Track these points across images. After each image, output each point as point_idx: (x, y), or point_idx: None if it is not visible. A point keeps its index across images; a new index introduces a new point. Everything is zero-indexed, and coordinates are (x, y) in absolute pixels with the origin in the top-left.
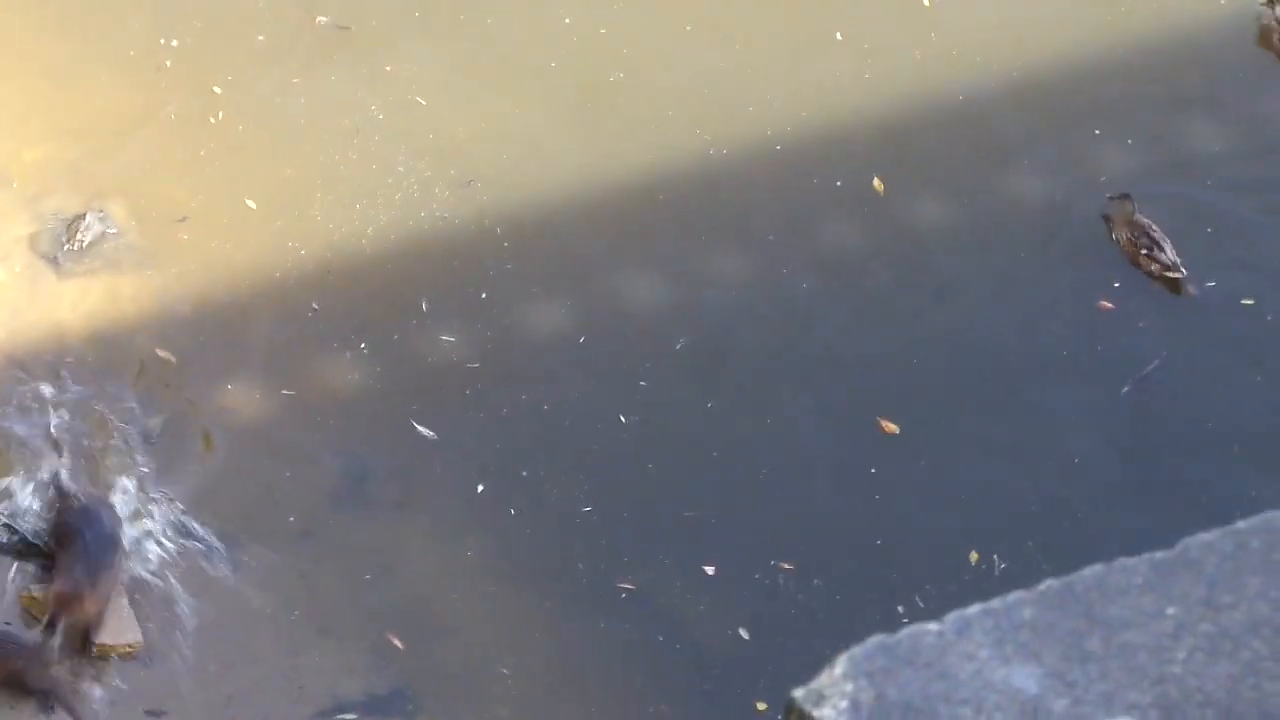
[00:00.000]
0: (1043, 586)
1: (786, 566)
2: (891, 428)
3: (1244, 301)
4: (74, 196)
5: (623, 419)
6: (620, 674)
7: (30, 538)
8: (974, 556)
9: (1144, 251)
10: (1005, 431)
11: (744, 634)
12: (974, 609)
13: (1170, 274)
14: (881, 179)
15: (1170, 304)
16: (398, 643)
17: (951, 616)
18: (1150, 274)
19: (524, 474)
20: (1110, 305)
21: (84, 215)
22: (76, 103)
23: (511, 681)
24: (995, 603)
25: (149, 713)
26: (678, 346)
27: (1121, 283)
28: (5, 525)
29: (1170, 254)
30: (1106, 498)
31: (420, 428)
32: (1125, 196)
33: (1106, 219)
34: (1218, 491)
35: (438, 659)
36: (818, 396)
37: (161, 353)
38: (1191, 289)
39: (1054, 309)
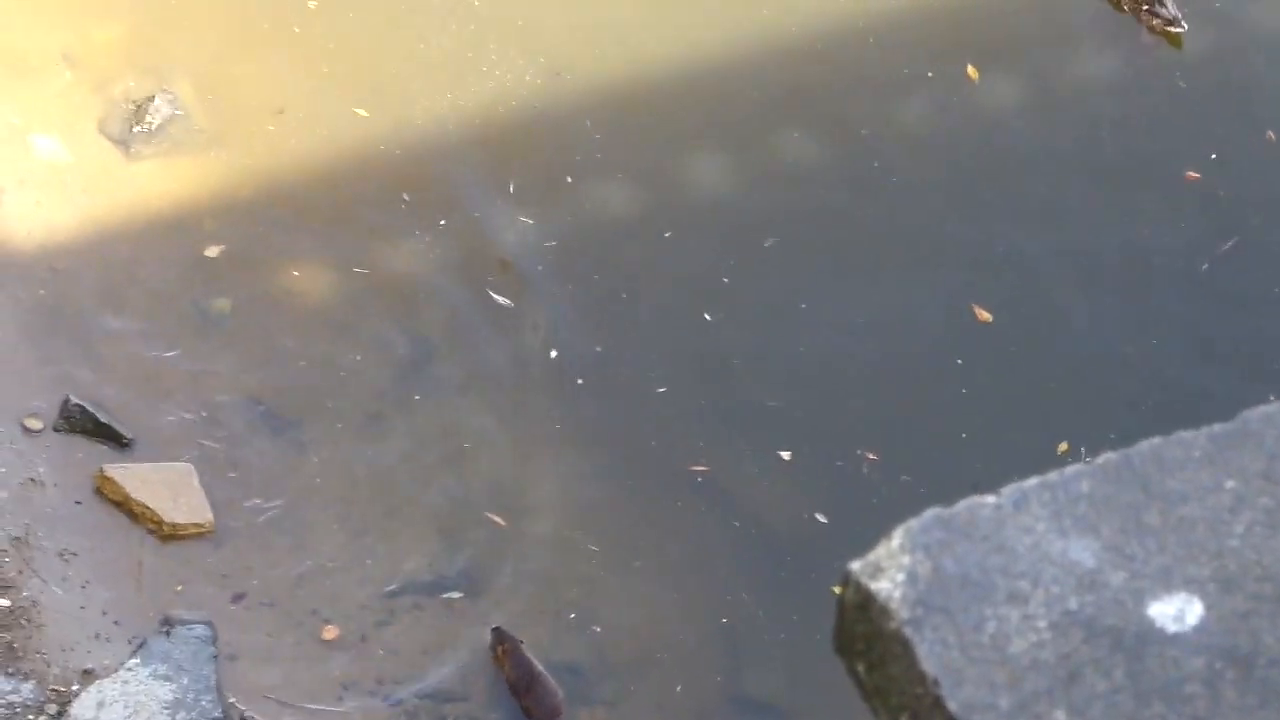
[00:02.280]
0: (1100, 460)
1: (869, 455)
2: (985, 315)
3: None
4: (144, 78)
5: (707, 316)
6: (694, 557)
7: (103, 422)
8: (1062, 447)
9: (1145, 7)
10: (1093, 318)
11: (821, 519)
12: (1031, 482)
13: (1171, 28)
14: (976, 66)
15: (1255, 171)
16: (470, 521)
17: (1009, 489)
18: (1152, 29)
19: (597, 349)
20: (1196, 176)
21: (153, 97)
22: None
23: (581, 562)
24: (1053, 476)
25: (234, 597)
26: (766, 244)
27: (1215, 150)
28: (78, 405)
29: (1172, 7)
30: (1191, 384)
31: (495, 295)
32: None
33: None
34: None
35: (506, 538)
36: (910, 289)
37: (232, 236)
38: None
39: (1142, 182)
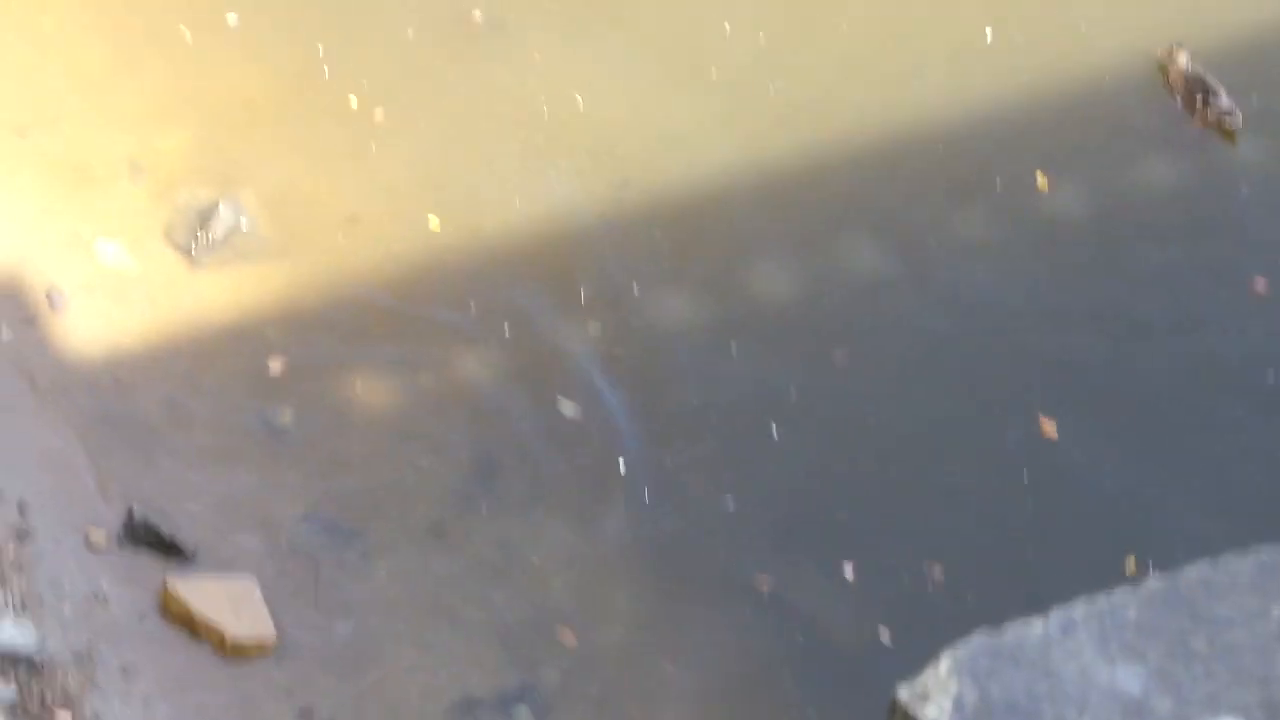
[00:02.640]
0: (1148, 585)
1: (934, 572)
2: (1050, 428)
3: None
4: (210, 187)
5: (774, 430)
6: (759, 672)
7: (166, 535)
8: (1130, 565)
9: (1201, 101)
10: (1160, 433)
11: (885, 635)
12: (1079, 607)
13: (1226, 116)
14: (1044, 173)
15: None
16: (536, 635)
17: (1056, 614)
18: (1207, 123)
19: (665, 461)
20: (1263, 286)
21: (218, 206)
22: (214, 95)
23: (648, 677)
24: (1100, 601)
25: (299, 713)
26: (834, 357)
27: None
28: (141, 518)
29: (1225, 100)
30: (1263, 500)
31: (562, 406)
32: (1178, 47)
33: (1163, 70)
34: None
35: (572, 653)
36: (976, 402)
37: (296, 346)
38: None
39: (1208, 294)
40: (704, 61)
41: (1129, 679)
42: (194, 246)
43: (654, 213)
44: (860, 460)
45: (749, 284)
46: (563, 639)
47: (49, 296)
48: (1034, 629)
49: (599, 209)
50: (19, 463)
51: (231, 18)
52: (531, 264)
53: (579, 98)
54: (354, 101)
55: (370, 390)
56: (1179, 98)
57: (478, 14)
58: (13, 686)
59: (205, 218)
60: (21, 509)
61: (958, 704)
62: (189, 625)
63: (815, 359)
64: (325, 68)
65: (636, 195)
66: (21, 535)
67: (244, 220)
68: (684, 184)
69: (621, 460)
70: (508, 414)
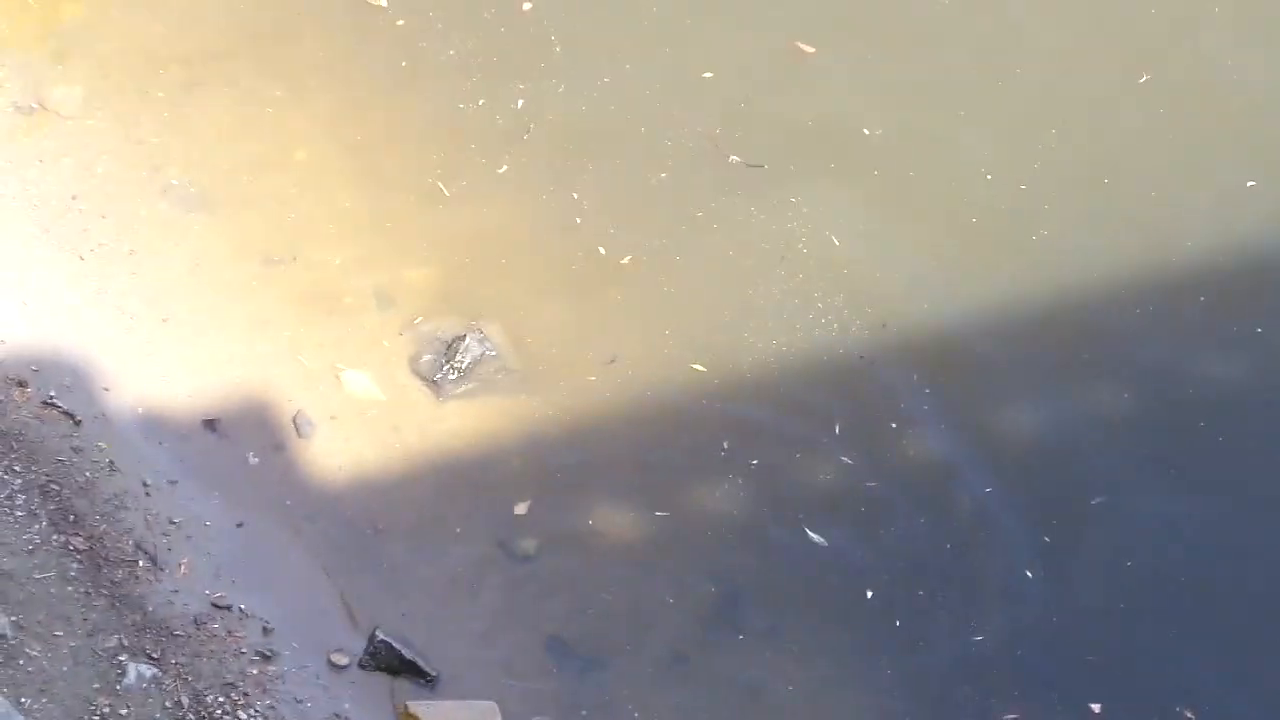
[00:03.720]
0: None
1: (1187, 715)
2: None
3: None
4: (456, 319)
5: (1028, 574)
6: None
7: (409, 659)
8: None
9: None
10: None
11: None
12: None
13: None
14: None
15: None
16: None
17: None
18: None
19: (918, 593)
20: None
21: (465, 337)
22: (464, 236)
23: None
24: None
25: None
26: (1093, 502)
27: None
28: (384, 642)
29: None
30: None
31: (812, 534)
32: None
33: None
34: None
35: None
36: (1233, 538)
37: (541, 477)
38: None
39: None
40: (963, 207)
41: None
42: (440, 377)
43: (911, 352)
44: (1110, 603)
45: (1003, 425)
46: None
47: (296, 423)
48: None
49: (857, 348)
50: (265, 585)
51: (502, 168)
52: (789, 401)
53: (836, 240)
54: (604, 246)
55: (615, 522)
56: None
57: (735, 158)
58: None
59: (452, 350)
60: (266, 630)
61: None
62: None
63: (1070, 503)
64: (579, 214)
65: (894, 335)
66: (266, 656)
67: (491, 352)
68: (941, 323)
69: (870, 591)
70: (754, 544)
